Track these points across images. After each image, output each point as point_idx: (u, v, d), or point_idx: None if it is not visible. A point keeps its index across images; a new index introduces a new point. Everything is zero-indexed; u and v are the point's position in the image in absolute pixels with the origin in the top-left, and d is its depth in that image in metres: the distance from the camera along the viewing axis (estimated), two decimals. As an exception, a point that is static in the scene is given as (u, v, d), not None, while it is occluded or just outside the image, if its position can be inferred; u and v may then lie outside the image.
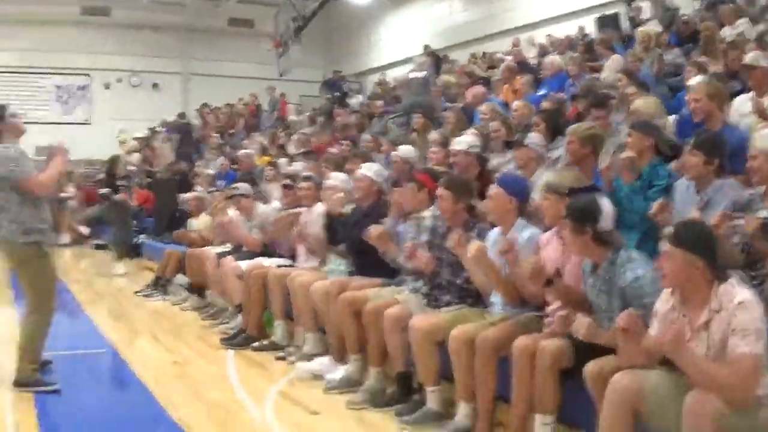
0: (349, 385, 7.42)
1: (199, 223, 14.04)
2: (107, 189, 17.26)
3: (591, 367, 4.82)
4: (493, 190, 6.55)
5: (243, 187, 11.74)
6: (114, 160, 17.70)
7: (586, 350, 5.03)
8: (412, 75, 16.88)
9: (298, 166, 13.57)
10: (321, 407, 6.95)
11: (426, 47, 23.67)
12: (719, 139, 6.33)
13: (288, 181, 10.94)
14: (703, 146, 6.06)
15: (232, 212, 11.95)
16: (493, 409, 5.87)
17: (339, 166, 11.54)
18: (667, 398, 4.33)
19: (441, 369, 6.42)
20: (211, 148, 22.36)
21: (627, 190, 6.68)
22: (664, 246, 4.53)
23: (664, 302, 4.61)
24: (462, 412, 6.05)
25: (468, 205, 7.02)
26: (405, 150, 10.40)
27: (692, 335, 4.37)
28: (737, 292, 4.24)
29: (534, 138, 8.30)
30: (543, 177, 7.03)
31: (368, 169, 8.97)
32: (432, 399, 6.44)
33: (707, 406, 3.99)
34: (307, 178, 10.33)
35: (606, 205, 5.32)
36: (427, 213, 7.41)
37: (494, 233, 6.62)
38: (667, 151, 7.05)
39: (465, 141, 8.97)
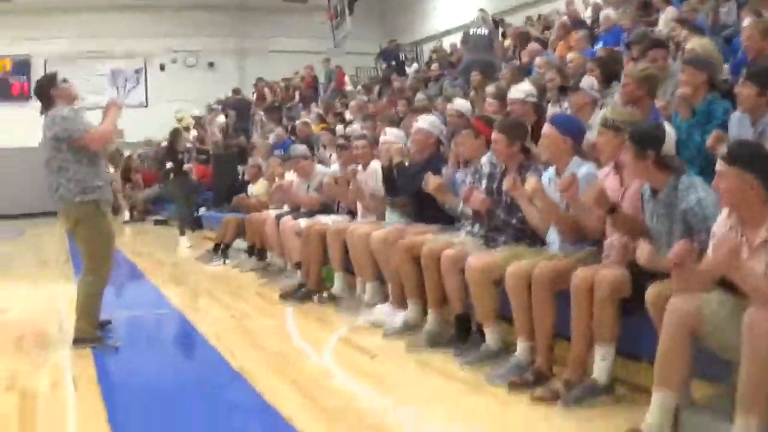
0: (408, 329, 7.40)
1: (257, 188, 14.11)
2: (170, 164, 17.31)
3: (651, 291, 4.73)
4: (546, 129, 6.45)
5: (300, 148, 11.75)
6: (176, 134, 17.74)
7: (644, 279, 4.93)
8: (472, 31, 16.52)
9: (353, 129, 13.56)
10: (381, 352, 6.93)
11: (481, 10, 23.45)
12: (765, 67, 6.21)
13: (342, 141, 10.90)
14: (756, 77, 5.96)
15: (289, 175, 11.98)
16: (551, 344, 5.77)
17: (395, 124, 11.50)
18: (725, 319, 4.27)
19: (499, 308, 6.36)
20: (262, 123, 22.38)
21: (685, 125, 6.56)
22: (719, 165, 4.40)
23: (721, 224, 4.54)
24: (521, 348, 5.98)
25: (522, 146, 6.95)
26: (460, 102, 10.30)
27: (750, 254, 4.29)
28: None
29: (588, 82, 8.23)
30: (599, 116, 6.80)
31: (424, 121, 8.90)
32: (490, 338, 6.39)
33: (766, 323, 3.91)
34: (361, 137, 10.30)
35: (669, 130, 5.23)
36: (484, 159, 7.38)
37: (549, 173, 6.53)
38: (723, 86, 6.93)
39: (522, 89, 8.86)
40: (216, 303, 9.95)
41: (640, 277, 5.02)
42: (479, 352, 6.41)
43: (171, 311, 9.50)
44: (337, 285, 9.32)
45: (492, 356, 6.32)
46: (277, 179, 13.03)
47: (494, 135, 6.97)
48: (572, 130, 6.43)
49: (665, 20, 13.06)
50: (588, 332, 5.33)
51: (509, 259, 6.22)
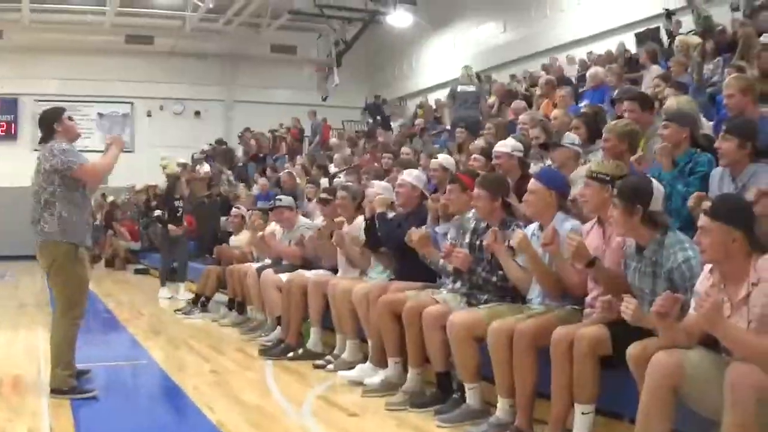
0: (388, 388, 7.36)
1: (239, 239, 14.05)
2: (159, 211, 17.35)
3: (633, 349, 4.73)
4: (532, 184, 6.49)
5: (285, 199, 11.73)
6: (175, 180, 17.78)
7: (624, 337, 4.93)
8: (460, 88, 16.60)
9: (338, 181, 13.55)
10: (360, 410, 6.90)
11: (466, 68, 23.62)
12: (751, 122, 6.34)
13: (325, 195, 10.88)
14: (736, 130, 6.05)
15: (271, 226, 11.96)
16: (532, 403, 5.76)
17: (380, 178, 11.51)
18: (706, 376, 4.29)
19: (480, 367, 6.33)
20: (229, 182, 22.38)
21: (667, 177, 6.57)
22: (701, 221, 4.44)
23: (704, 281, 4.57)
24: (501, 407, 5.97)
25: (504, 202, 7.01)
26: (444, 157, 10.33)
27: (733, 311, 4.33)
28: None
29: (570, 137, 8.27)
30: (583, 171, 6.81)
31: (409, 175, 8.90)
32: (471, 396, 6.36)
33: (749, 378, 3.93)
34: (344, 188, 10.28)
35: (657, 185, 5.29)
36: (470, 214, 7.38)
37: (532, 227, 6.57)
38: (704, 142, 6.97)
39: (509, 144, 8.86)
40: (195, 355, 9.89)
41: (621, 335, 5.01)
42: (460, 410, 6.37)
43: (149, 362, 9.42)
44: (313, 339, 9.30)
45: (473, 415, 6.28)
46: (259, 230, 13.02)
47: (476, 191, 7.00)
48: (557, 184, 6.50)
49: (650, 78, 13.19)
50: (568, 391, 5.33)
51: (492, 316, 6.22)
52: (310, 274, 9.95)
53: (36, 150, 7.79)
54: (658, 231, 5.14)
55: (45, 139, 7.54)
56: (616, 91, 11.93)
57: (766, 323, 4.14)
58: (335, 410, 6.96)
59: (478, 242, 7.03)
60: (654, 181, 5.38)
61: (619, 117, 9.77)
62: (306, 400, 7.29)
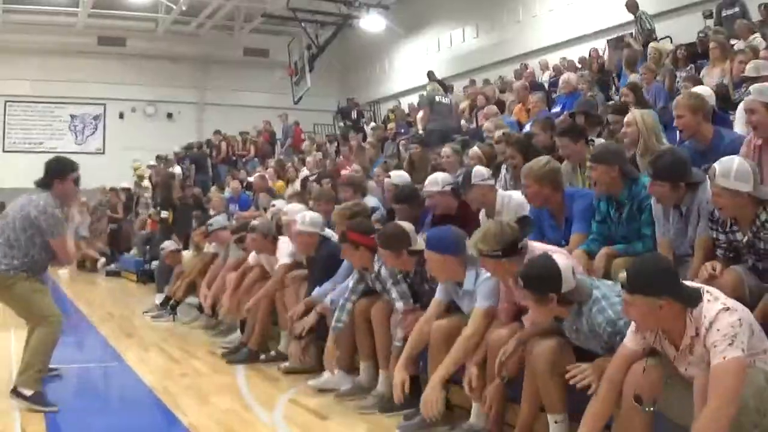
0: (360, 391, 7.40)
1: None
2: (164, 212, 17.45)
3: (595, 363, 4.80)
4: (427, 255, 6.39)
5: (216, 221, 11.92)
6: (170, 181, 17.81)
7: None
8: (437, 98, 16.60)
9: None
10: (331, 413, 6.93)
11: (430, 73, 23.78)
12: (678, 159, 6.00)
13: (238, 234, 11.04)
14: (665, 174, 5.87)
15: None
16: (503, 409, 5.79)
17: (353, 185, 11.41)
18: (684, 385, 4.31)
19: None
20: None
21: (620, 224, 6.56)
22: (623, 294, 4.35)
23: (631, 339, 4.60)
24: (475, 413, 5.98)
25: (409, 251, 7.00)
26: (397, 175, 10.34)
27: (678, 359, 4.35)
28: (708, 310, 4.15)
29: (479, 173, 8.12)
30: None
31: (302, 223, 8.89)
32: None
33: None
34: (252, 229, 10.21)
35: (562, 262, 5.07)
36: (375, 264, 7.44)
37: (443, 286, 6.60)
38: (635, 173, 6.70)
39: (438, 180, 8.68)
40: (166, 358, 9.88)
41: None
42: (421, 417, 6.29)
43: (120, 365, 9.39)
44: (284, 343, 9.26)
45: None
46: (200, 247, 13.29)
47: (380, 252, 7.17)
48: (450, 246, 6.33)
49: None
50: (535, 398, 5.36)
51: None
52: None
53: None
54: (575, 305, 5.05)
55: (42, 186, 7.39)
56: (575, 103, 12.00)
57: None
58: (306, 413, 6.99)
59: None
60: (558, 260, 5.10)
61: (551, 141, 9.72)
62: (277, 403, 7.32)
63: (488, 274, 5.99)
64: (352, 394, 7.39)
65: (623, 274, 4.31)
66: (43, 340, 7.26)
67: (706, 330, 4.08)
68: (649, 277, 4.21)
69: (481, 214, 8.11)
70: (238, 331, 10.28)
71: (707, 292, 4.24)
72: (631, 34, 18.30)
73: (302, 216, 9.03)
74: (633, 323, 4.51)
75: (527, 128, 11.65)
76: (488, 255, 5.63)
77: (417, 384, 6.72)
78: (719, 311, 4.08)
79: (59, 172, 7.44)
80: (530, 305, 5.17)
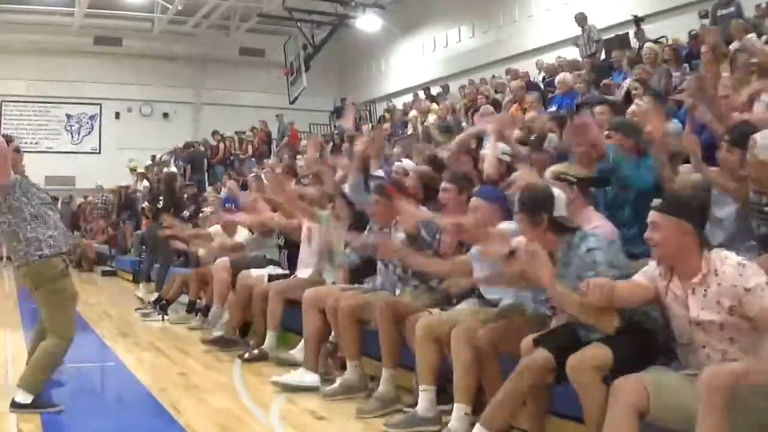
0: (348, 391, 7.39)
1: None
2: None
3: (572, 361, 4.75)
4: (474, 202, 6.59)
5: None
6: (172, 178, 17.73)
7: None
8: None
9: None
10: (327, 413, 6.93)
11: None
12: (750, 129, 5.94)
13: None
14: (740, 140, 5.77)
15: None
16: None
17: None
18: (672, 389, 4.31)
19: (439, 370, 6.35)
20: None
21: (630, 167, 6.66)
22: (651, 216, 4.51)
23: (649, 271, 4.70)
24: (456, 414, 5.90)
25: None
26: (406, 161, 10.37)
27: (687, 298, 4.44)
28: (727, 255, 4.34)
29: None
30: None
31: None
32: (423, 400, 6.31)
33: (722, 379, 3.92)
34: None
35: (557, 192, 5.33)
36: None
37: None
38: (647, 150, 6.76)
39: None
40: (163, 357, 9.88)
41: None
42: (408, 417, 6.36)
43: (117, 364, 9.40)
44: (269, 343, 9.30)
45: (422, 423, 6.21)
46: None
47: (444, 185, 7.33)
48: (498, 198, 6.64)
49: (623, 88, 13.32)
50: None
51: (455, 319, 6.23)
52: (263, 273, 10.29)
53: None
54: (567, 234, 5.18)
55: None
56: (580, 97, 12.03)
57: (741, 311, 4.24)
58: (302, 413, 6.98)
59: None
60: (554, 189, 5.38)
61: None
62: (273, 403, 7.31)
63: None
64: (341, 393, 7.38)
65: (657, 199, 4.60)
66: (51, 353, 7.09)
67: (730, 274, 4.26)
68: (684, 202, 4.54)
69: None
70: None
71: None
72: (627, 33, 18.37)
73: None
74: (645, 269, 4.69)
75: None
76: (564, 179, 5.88)
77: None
78: (740, 262, 4.31)
79: None
80: (522, 227, 5.36)
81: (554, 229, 5.16)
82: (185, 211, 16.09)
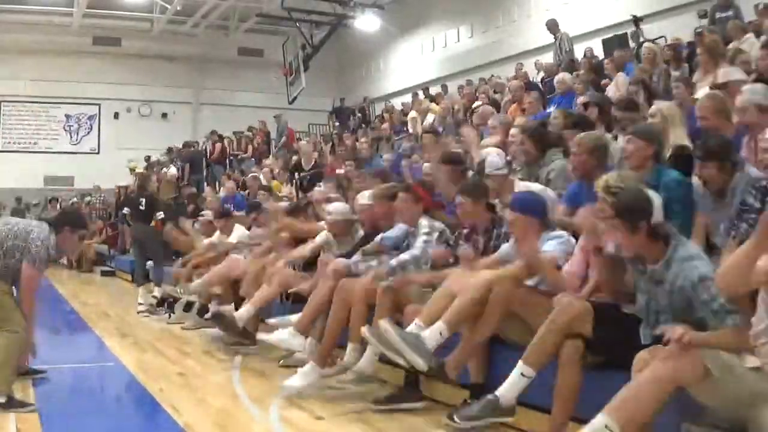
0: (341, 371, 7.55)
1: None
2: (127, 209, 17.36)
3: (642, 354, 4.62)
4: (512, 217, 6.41)
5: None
6: (146, 179, 17.73)
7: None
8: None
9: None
10: (326, 413, 6.91)
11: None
12: (725, 141, 6.11)
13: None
14: (714, 154, 5.86)
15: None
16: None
17: (341, 187, 11.54)
18: (735, 380, 4.25)
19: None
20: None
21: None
22: None
23: None
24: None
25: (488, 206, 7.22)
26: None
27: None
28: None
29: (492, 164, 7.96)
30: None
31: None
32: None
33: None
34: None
35: (653, 195, 5.00)
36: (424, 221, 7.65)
37: (506, 246, 6.66)
38: (664, 160, 6.70)
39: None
40: (162, 357, 9.87)
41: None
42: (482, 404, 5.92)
43: (116, 365, 9.38)
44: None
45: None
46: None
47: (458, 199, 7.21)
48: (533, 208, 6.41)
49: (616, 86, 13.28)
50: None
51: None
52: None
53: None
54: (666, 245, 4.87)
55: (54, 226, 7.48)
56: (581, 97, 12.02)
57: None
58: (301, 413, 6.97)
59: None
60: (650, 192, 5.05)
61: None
62: (272, 403, 7.29)
63: (561, 238, 6.19)
64: (336, 374, 7.53)
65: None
66: (5, 345, 7.08)
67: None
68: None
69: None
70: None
71: None
72: (626, 34, 18.39)
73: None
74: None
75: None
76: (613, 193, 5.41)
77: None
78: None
79: (75, 222, 7.63)
80: (621, 238, 4.99)
81: (653, 238, 4.87)
82: (161, 213, 16.07)
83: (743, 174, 5.88)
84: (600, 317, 5.24)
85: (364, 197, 9.07)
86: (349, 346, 7.48)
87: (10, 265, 7.20)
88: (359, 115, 28.98)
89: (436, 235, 7.45)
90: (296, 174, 17.42)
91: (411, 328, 6.21)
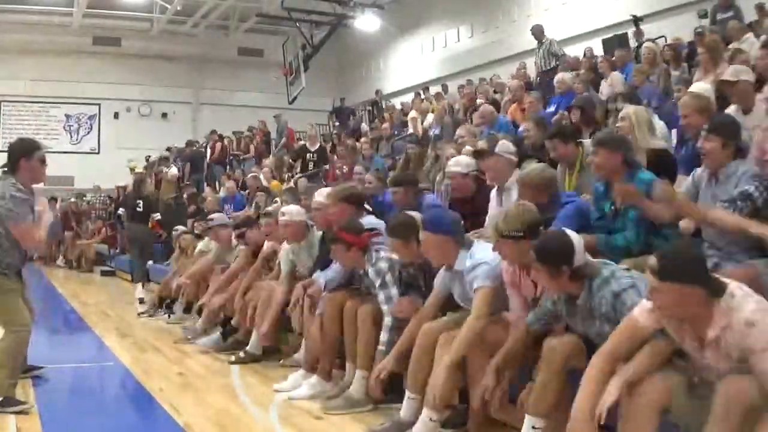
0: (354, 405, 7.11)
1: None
2: (122, 210, 17.38)
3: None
4: (423, 237, 6.34)
5: (218, 217, 11.83)
6: (141, 180, 17.77)
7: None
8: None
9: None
10: (325, 413, 6.91)
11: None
12: (734, 122, 6.24)
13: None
14: (720, 130, 5.95)
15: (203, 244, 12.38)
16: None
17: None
18: (697, 400, 4.18)
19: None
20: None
21: (615, 218, 6.37)
22: (650, 281, 4.18)
23: None
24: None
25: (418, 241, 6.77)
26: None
27: (706, 353, 4.18)
28: (740, 304, 4.01)
29: (505, 146, 8.10)
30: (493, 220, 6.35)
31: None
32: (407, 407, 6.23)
33: (742, 393, 3.82)
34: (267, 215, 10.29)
35: (575, 238, 5.04)
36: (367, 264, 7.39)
37: (441, 275, 6.52)
38: (638, 164, 6.55)
39: (462, 163, 8.80)
40: (162, 357, 9.87)
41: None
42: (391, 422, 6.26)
43: (116, 364, 9.38)
44: (253, 342, 9.31)
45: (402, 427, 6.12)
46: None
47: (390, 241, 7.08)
48: (446, 227, 6.29)
49: (608, 86, 13.31)
50: None
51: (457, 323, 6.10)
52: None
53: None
54: (586, 280, 4.98)
55: (7, 172, 7.25)
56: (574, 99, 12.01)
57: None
58: (301, 413, 6.97)
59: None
60: (570, 234, 5.09)
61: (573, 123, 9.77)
62: (272, 403, 7.31)
63: (484, 257, 5.97)
64: (342, 408, 7.09)
65: (653, 260, 4.17)
66: (5, 350, 7.06)
67: (744, 326, 3.94)
68: (681, 264, 4.09)
69: (493, 193, 8.11)
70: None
71: (738, 287, 4.10)
72: (626, 33, 18.38)
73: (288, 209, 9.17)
74: (645, 301, 4.39)
75: (522, 128, 11.59)
76: (509, 236, 5.55)
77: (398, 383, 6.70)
78: (748, 320, 3.96)
79: (22, 152, 7.25)
80: (543, 279, 5.12)
81: (575, 279, 4.97)
82: (157, 214, 16.06)
83: (743, 163, 5.93)
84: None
85: (321, 195, 9.02)
86: (358, 373, 7.18)
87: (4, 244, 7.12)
88: (371, 108, 28.98)
89: (387, 277, 7.11)
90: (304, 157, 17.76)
91: (405, 405, 6.20)
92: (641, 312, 4.41)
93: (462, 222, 6.60)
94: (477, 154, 8.45)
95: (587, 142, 8.22)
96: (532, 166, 7.32)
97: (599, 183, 6.62)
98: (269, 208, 10.69)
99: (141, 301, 14.11)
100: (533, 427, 5.11)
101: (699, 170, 6.26)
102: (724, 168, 5.93)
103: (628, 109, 8.20)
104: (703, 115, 7.10)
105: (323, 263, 8.50)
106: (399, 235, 6.86)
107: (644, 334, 4.40)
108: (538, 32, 18.47)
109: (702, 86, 8.89)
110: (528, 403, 5.18)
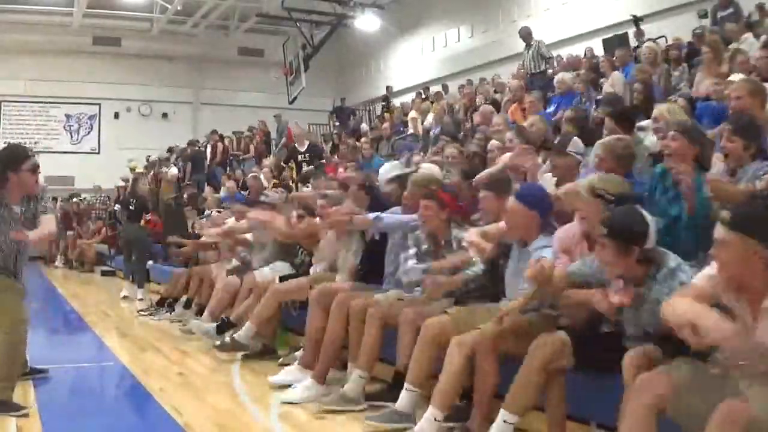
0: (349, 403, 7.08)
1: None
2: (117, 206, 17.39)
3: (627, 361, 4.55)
4: (512, 204, 6.10)
5: (273, 196, 11.68)
6: (135, 181, 17.80)
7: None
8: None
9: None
10: (326, 412, 6.88)
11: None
12: (755, 123, 6.23)
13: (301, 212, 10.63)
14: (742, 131, 5.97)
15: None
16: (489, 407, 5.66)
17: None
18: (695, 391, 4.07)
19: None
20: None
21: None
22: (718, 233, 3.94)
23: (703, 278, 4.20)
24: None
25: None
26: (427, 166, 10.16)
27: (758, 320, 3.90)
28: None
29: (576, 144, 7.65)
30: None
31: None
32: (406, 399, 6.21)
33: (740, 417, 3.65)
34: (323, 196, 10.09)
35: (650, 220, 4.77)
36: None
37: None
38: (708, 165, 6.36)
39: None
40: (162, 357, 9.86)
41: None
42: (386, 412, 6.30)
43: (116, 364, 9.37)
44: (244, 333, 9.18)
45: (400, 419, 6.13)
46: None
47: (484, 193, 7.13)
48: (539, 202, 6.11)
49: (610, 85, 13.30)
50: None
51: (462, 322, 6.05)
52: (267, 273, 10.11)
53: None
54: (652, 267, 4.73)
55: None
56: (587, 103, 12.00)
57: None
58: (302, 413, 6.95)
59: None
60: (646, 215, 4.80)
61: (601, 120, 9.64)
62: (273, 403, 7.29)
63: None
64: (336, 405, 7.07)
65: (725, 212, 3.97)
66: (3, 349, 6.92)
67: None
68: (756, 218, 3.89)
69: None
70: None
71: None
72: (626, 33, 18.37)
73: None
74: (712, 265, 4.13)
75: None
76: (601, 196, 5.34)
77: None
78: None
79: (11, 164, 6.85)
80: (608, 256, 4.77)
81: (642, 263, 4.72)
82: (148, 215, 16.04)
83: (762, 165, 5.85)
84: (579, 342, 5.12)
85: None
86: (356, 372, 7.14)
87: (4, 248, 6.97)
88: (383, 103, 28.95)
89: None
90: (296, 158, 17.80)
91: (403, 396, 6.17)
92: (701, 277, 4.22)
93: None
94: (551, 151, 8.11)
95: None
96: (616, 137, 7.17)
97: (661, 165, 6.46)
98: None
99: (125, 298, 14.04)
100: (504, 421, 5.12)
101: (720, 166, 6.30)
102: (743, 168, 5.93)
103: (660, 109, 8.03)
104: (755, 98, 7.14)
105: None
106: (494, 188, 6.95)
107: (706, 294, 4.10)
108: (525, 35, 18.43)
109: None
110: (507, 396, 5.19)
